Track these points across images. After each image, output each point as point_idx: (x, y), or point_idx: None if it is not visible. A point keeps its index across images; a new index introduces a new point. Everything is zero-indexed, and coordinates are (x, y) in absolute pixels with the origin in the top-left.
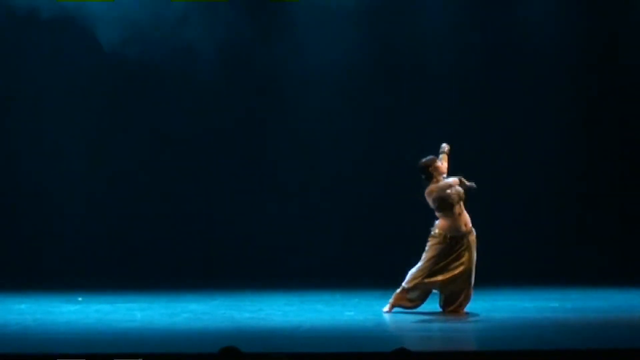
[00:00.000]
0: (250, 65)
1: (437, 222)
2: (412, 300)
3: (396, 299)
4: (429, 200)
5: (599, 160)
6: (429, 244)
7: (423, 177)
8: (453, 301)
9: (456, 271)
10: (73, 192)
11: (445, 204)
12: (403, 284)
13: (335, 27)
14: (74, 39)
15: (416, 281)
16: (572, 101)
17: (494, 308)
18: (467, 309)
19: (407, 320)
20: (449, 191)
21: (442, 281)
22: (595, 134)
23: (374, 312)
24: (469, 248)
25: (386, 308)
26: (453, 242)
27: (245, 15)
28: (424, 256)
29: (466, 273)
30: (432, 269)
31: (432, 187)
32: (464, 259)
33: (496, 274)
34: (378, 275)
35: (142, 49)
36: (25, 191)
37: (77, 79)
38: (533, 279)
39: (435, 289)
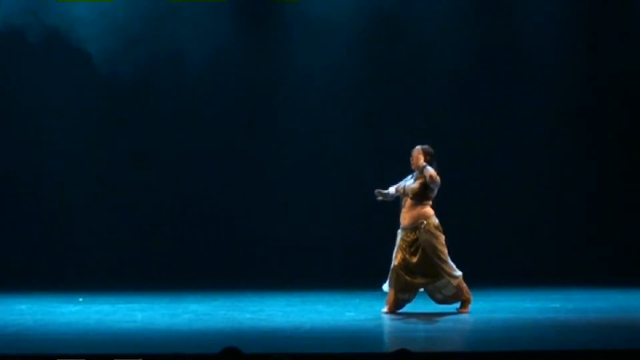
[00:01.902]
0: (247, 71)
1: None
2: (403, 295)
3: (389, 300)
4: None
5: (600, 161)
6: None
7: None
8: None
9: (422, 266)
10: (74, 193)
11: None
12: (388, 283)
13: (329, 33)
14: (67, 54)
15: (395, 273)
16: (572, 101)
17: (496, 308)
18: (470, 309)
19: (407, 321)
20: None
21: (414, 271)
22: (597, 135)
23: (375, 312)
24: (422, 244)
25: (385, 309)
26: (406, 231)
27: (240, 23)
28: None
29: (429, 266)
30: (396, 255)
31: None
32: (421, 255)
33: (498, 274)
34: (379, 275)
35: (134, 58)
36: (26, 192)
37: (78, 89)
38: (535, 279)
39: (414, 283)
